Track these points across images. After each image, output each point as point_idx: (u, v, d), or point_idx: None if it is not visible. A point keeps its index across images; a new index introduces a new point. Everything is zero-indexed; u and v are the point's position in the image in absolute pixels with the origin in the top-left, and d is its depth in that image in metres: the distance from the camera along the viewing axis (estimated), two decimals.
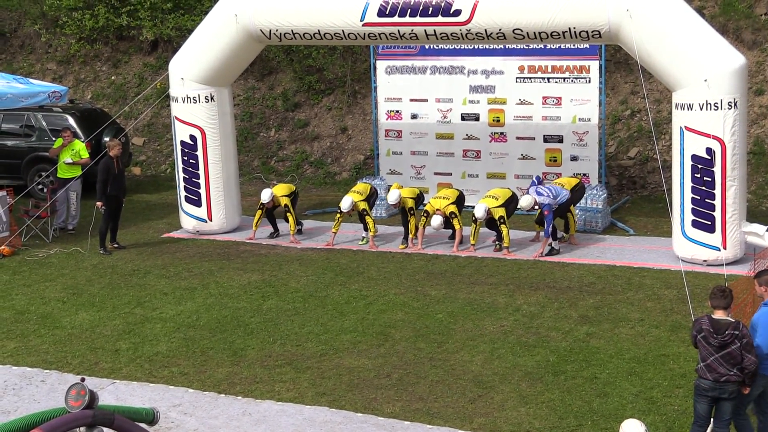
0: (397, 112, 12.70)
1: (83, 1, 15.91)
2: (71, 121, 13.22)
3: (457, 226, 10.21)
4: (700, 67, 8.97)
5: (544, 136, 11.80)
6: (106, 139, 11.78)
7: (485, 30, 9.94)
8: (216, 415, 5.93)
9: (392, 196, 10.51)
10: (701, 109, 9.10)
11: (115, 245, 10.47)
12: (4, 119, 13.85)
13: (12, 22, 17.83)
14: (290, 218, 10.58)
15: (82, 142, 11.87)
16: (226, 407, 6.07)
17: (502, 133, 11.90)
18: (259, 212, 10.38)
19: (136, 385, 6.50)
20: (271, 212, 10.76)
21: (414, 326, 7.62)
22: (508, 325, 7.56)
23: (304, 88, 15.85)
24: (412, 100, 12.50)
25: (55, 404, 4.68)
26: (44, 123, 13.75)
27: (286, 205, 10.70)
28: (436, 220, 10.12)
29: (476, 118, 12.06)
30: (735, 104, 8.99)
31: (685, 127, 9.06)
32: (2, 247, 10.19)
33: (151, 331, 7.91)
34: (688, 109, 9.04)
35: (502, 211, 9.89)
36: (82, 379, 3.81)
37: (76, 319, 8.34)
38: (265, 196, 10.40)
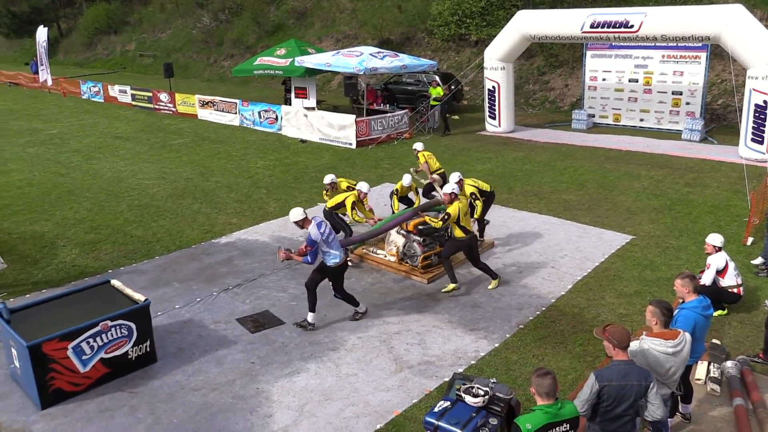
0: (595, 77, 21.04)
1: (450, 19, 27.29)
2: (437, 78, 22.56)
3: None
4: None
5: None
6: (443, 86, 21.59)
7: (647, 35, 16.40)
8: None
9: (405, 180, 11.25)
10: None
11: (449, 133, 20.40)
12: (408, 76, 23.78)
13: (410, 32, 30.21)
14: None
15: (441, 87, 21.43)
16: None
17: (649, 90, 20.07)
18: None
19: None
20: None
21: None
22: None
23: (547, 64, 25.23)
24: (603, 71, 20.84)
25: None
26: (425, 78, 23.41)
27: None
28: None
29: (636, 81, 20.26)
30: None
31: None
32: (404, 134, 20.66)
33: (473, 175, 13.92)
34: None
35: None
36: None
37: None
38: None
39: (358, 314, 8.38)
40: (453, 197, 8.87)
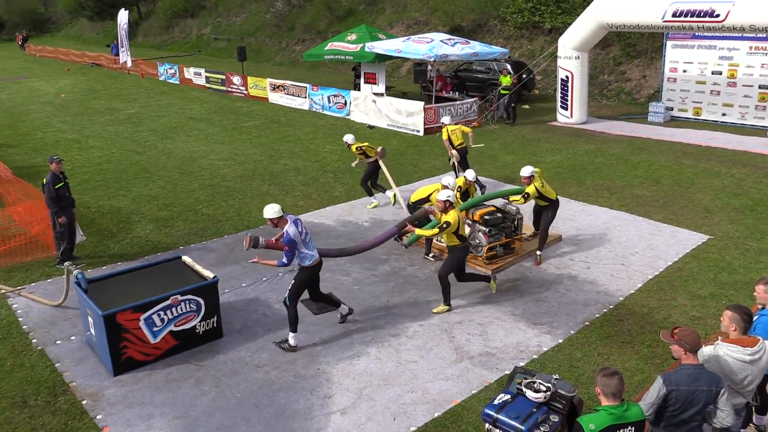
0: (675, 68, 20.21)
1: (524, 6, 26.81)
2: (508, 66, 21.88)
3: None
4: None
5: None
6: (513, 74, 21.23)
7: (734, 26, 15.39)
8: None
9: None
10: None
11: (513, 123, 20.05)
12: (479, 64, 23.41)
13: (482, 19, 29.85)
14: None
15: (511, 75, 20.87)
16: None
17: (734, 83, 19.11)
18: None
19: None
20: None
21: None
22: None
23: (624, 53, 24.42)
24: (684, 62, 19.97)
25: None
26: (495, 66, 22.98)
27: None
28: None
29: (720, 73, 19.41)
30: None
31: None
32: (473, 123, 20.89)
33: (542, 167, 14.01)
34: None
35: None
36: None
37: (506, 159, 15.39)
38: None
39: (285, 343, 7.42)
40: (447, 206, 7.99)
